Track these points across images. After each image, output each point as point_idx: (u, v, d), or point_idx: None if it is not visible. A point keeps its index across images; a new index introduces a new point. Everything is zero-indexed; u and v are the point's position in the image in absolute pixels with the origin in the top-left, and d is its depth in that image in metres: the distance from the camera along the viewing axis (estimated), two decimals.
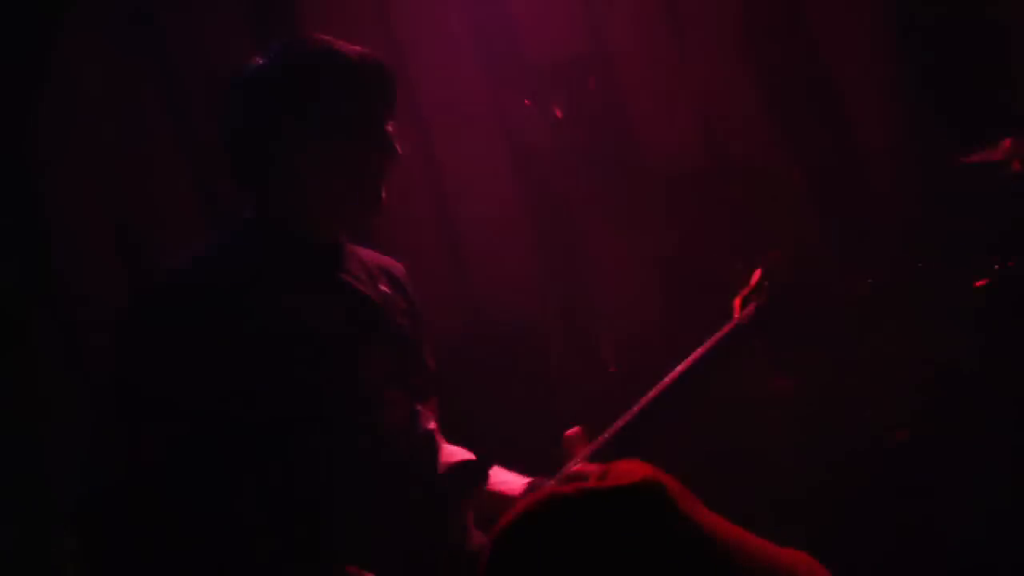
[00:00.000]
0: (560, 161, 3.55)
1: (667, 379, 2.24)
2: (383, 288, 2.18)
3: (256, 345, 1.95)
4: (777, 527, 1.74)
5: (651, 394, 2.22)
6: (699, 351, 2.27)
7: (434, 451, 2.18)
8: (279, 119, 2.05)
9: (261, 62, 2.10)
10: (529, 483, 2.23)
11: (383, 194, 2.09)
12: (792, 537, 1.67)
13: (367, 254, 2.25)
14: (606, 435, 2.19)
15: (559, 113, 3.83)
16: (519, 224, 4.20)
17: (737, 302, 2.36)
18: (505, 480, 2.26)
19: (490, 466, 2.19)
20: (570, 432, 2.22)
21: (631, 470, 1.56)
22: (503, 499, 2.17)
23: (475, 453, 2.23)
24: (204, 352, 1.93)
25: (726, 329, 2.30)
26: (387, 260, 2.30)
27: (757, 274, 2.38)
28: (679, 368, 2.25)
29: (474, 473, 2.16)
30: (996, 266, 3.12)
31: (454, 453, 2.25)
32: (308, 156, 2.06)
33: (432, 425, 2.19)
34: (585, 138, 3.41)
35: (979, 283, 3.15)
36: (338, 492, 1.98)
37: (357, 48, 2.10)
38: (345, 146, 2.07)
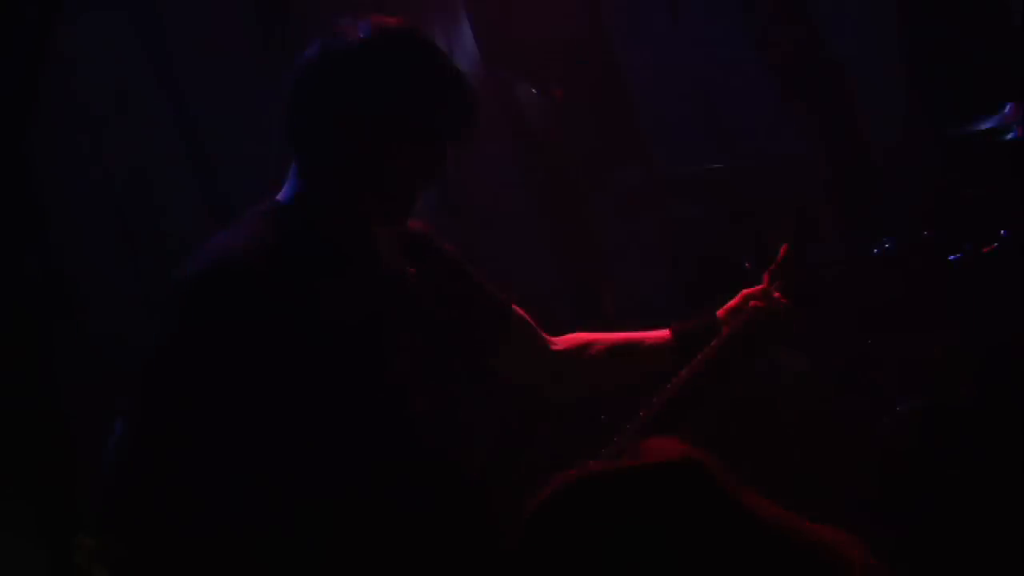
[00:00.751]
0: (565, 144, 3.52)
1: (703, 357, 2.23)
2: (411, 269, 2.14)
3: (284, 334, 1.93)
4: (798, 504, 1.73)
5: (689, 372, 2.21)
6: (734, 328, 2.27)
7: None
8: (359, 97, 2.00)
9: (359, 36, 2.02)
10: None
11: (411, 209, 2.07)
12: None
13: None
14: (644, 414, 2.17)
15: (560, 94, 3.80)
16: (525, 209, 4.18)
17: (766, 276, 2.34)
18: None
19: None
20: None
21: (665, 448, 1.54)
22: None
23: None
24: (232, 342, 1.91)
25: (759, 307, 2.29)
26: (410, 227, 2.24)
27: (784, 249, 2.36)
28: (715, 344, 2.24)
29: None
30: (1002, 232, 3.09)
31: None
32: (365, 143, 2.02)
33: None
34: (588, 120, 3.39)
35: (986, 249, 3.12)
36: (365, 483, 1.96)
37: (456, 68, 2.06)
38: (404, 149, 2.03)
